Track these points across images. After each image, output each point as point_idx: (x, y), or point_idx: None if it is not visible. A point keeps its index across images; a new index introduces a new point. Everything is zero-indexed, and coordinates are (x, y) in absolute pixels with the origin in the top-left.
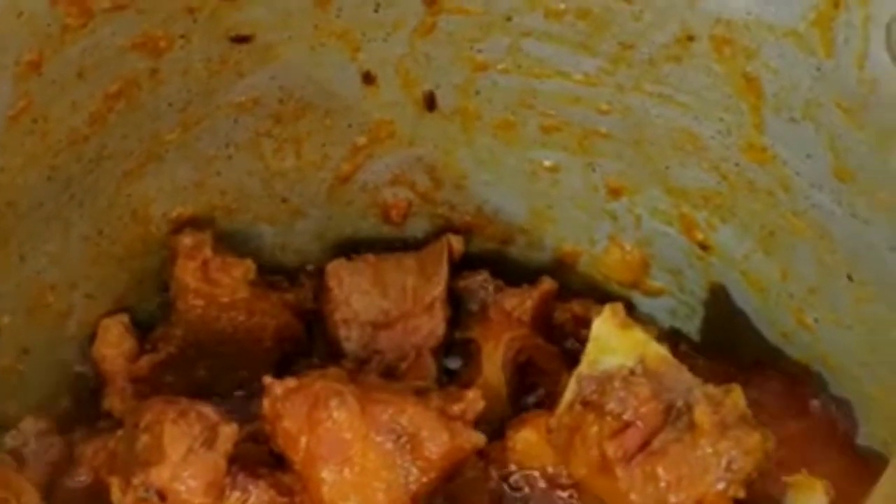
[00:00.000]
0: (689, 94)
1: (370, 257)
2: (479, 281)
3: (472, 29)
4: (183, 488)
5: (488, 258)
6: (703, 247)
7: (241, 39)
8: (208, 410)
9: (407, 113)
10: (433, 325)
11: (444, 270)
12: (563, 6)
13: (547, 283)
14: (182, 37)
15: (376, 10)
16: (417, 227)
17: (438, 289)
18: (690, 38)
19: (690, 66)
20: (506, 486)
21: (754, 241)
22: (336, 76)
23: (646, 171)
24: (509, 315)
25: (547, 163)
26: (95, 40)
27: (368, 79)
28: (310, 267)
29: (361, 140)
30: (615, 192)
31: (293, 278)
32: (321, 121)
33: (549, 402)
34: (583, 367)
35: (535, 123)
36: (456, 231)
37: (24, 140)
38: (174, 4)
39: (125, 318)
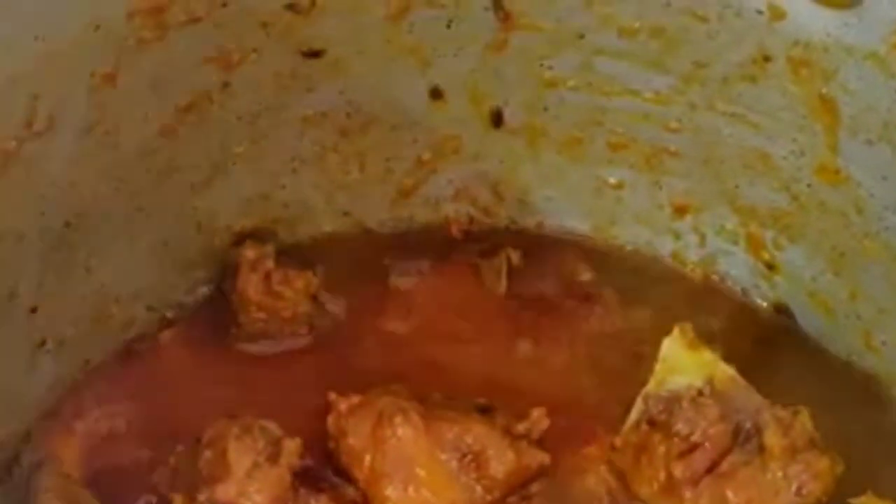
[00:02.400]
0: (762, 114)
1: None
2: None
3: (544, 46)
4: None
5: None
6: (769, 266)
7: (313, 54)
8: (271, 425)
9: (473, 128)
10: None
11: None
12: (637, 24)
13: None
14: (255, 51)
15: (448, 26)
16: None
17: None
18: (767, 59)
19: (765, 87)
20: None
21: (824, 262)
22: (404, 91)
23: (714, 190)
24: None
25: (612, 180)
26: (170, 53)
27: (436, 94)
28: None
29: (426, 155)
30: (680, 210)
31: None
32: (387, 135)
33: None
34: (650, 387)
35: (603, 140)
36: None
37: (96, 152)
38: (248, 18)
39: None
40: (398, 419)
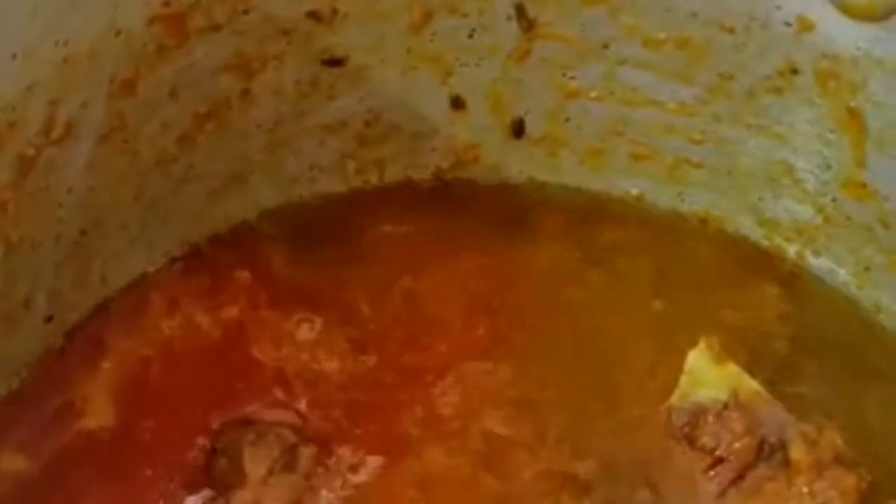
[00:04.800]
0: (788, 126)
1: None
2: None
3: (567, 56)
4: None
5: None
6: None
7: (334, 62)
8: (286, 432)
9: (494, 138)
10: None
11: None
12: (662, 35)
13: None
14: (275, 58)
15: (471, 36)
16: None
17: None
18: (794, 72)
19: (792, 99)
20: None
21: (847, 275)
22: (425, 100)
23: (737, 202)
24: None
25: (634, 191)
26: (190, 61)
27: (458, 103)
28: None
29: (445, 164)
30: (703, 222)
31: None
32: (406, 144)
33: None
34: (674, 399)
35: (625, 151)
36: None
37: (114, 159)
38: (269, 26)
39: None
40: None
